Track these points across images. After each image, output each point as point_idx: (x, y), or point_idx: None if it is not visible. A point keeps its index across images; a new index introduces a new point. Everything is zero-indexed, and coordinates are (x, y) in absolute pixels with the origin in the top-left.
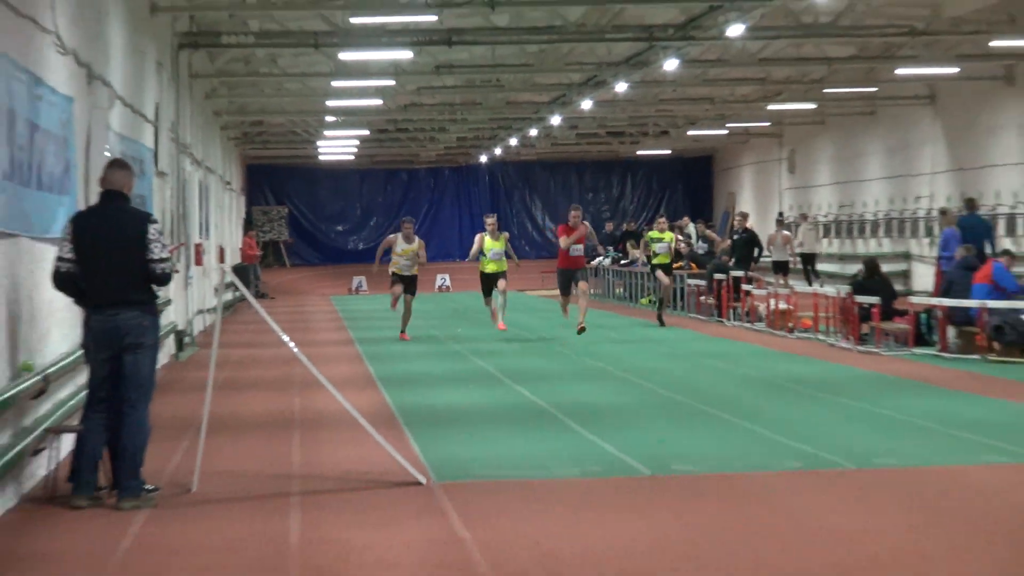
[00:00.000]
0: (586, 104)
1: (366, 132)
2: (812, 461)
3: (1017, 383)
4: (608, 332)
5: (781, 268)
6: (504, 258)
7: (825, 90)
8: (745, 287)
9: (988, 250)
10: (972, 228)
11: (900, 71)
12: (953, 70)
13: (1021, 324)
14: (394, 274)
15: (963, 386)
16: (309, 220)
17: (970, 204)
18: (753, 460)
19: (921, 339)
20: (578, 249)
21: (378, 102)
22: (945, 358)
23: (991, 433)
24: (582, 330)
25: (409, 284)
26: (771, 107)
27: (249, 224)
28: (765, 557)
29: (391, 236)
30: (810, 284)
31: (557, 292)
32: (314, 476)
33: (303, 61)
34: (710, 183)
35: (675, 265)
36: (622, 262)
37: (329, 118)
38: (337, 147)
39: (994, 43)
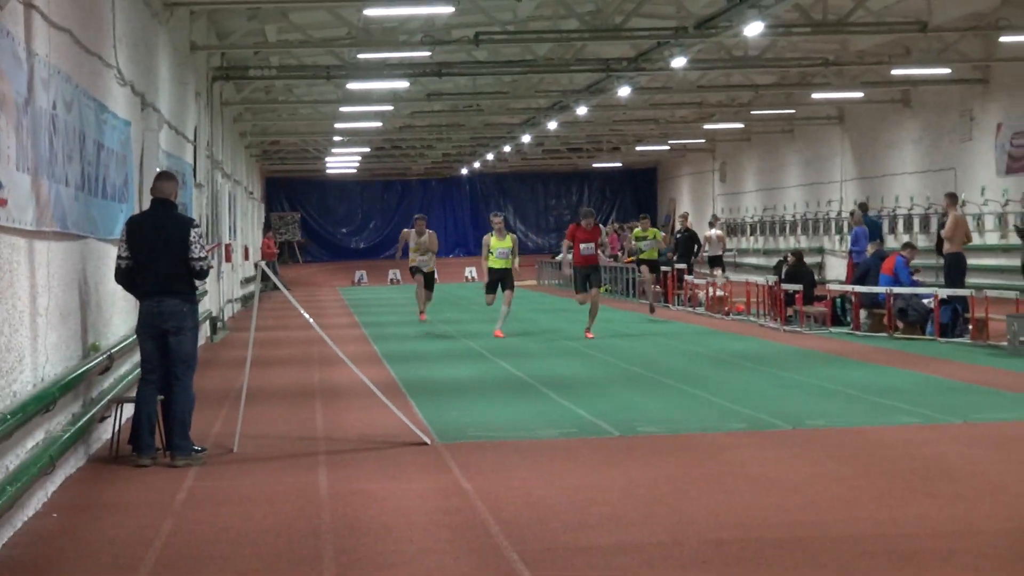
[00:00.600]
0: (552, 125)
1: (367, 149)
2: (754, 423)
3: (918, 356)
4: (573, 315)
5: (716, 262)
6: (510, 257)
7: (751, 112)
8: (687, 277)
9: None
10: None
11: (814, 96)
12: (858, 95)
13: (921, 307)
14: (412, 268)
15: (875, 359)
16: (319, 223)
17: (863, 207)
18: (704, 422)
19: (837, 320)
20: (589, 248)
21: (378, 124)
22: (857, 336)
23: (901, 398)
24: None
25: (428, 280)
26: (706, 126)
27: (268, 227)
28: (720, 500)
29: (406, 231)
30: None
31: (533, 282)
32: (336, 438)
33: (315, 90)
34: (654, 191)
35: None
36: None
37: (336, 138)
38: (342, 162)
39: (894, 71)
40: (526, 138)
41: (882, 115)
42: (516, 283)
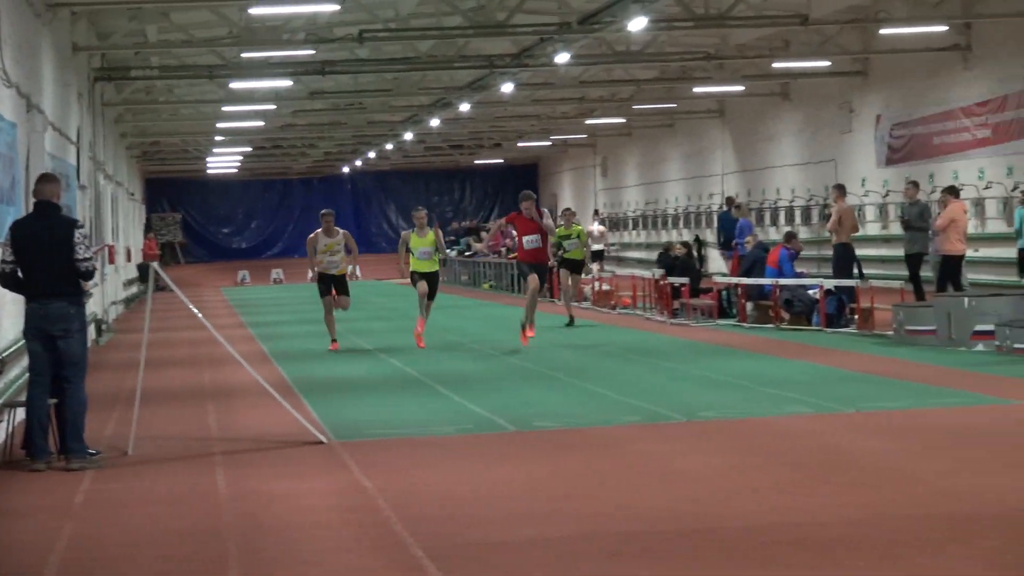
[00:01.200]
0: (434, 122)
1: (249, 149)
2: (648, 415)
3: (806, 346)
4: (460, 311)
5: (598, 256)
6: (436, 257)
7: (633, 107)
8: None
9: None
10: (728, 220)
11: (695, 90)
12: (739, 88)
13: (807, 298)
14: (321, 276)
15: (762, 350)
16: (200, 224)
17: (729, 201)
18: (599, 416)
19: (724, 312)
20: (535, 241)
21: (260, 123)
22: (744, 327)
23: (792, 388)
24: (526, 335)
25: (340, 284)
26: (587, 121)
27: (149, 228)
28: (623, 494)
29: (312, 235)
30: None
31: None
32: (231, 438)
33: (197, 90)
34: (536, 186)
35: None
36: (466, 254)
37: (218, 137)
38: (223, 162)
39: (774, 65)
40: (408, 136)
41: (762, 108)
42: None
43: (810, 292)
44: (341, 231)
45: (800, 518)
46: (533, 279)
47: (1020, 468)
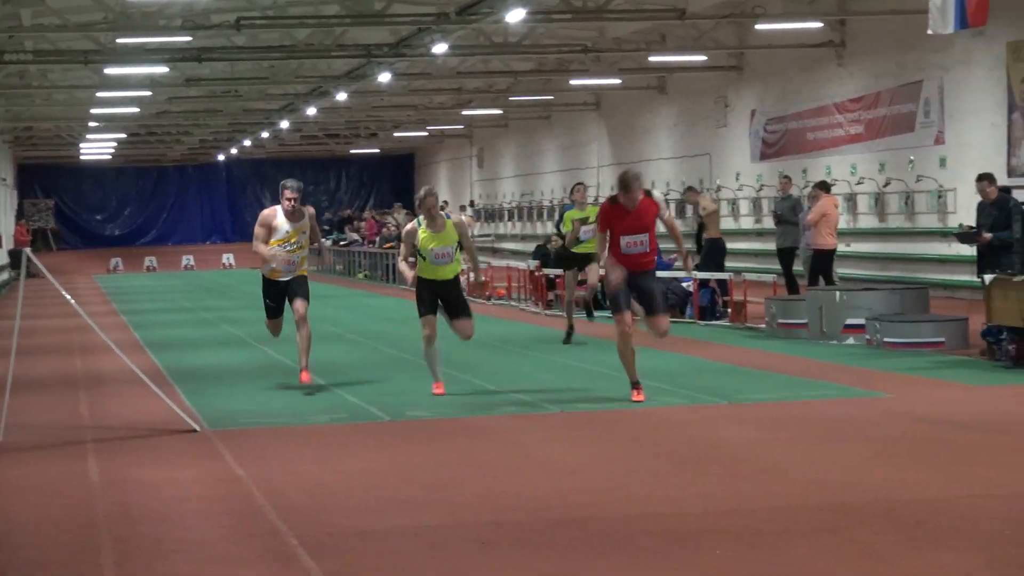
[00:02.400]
0: (311, 111)
1: (123, 135)
2: (523, 406)
3: (680, 338)
4: (335, 301)
5: None
6: (455, 260)
7: (510, 98)
8: None
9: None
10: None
11: (572, 82)
12: (616, 81)
13: (681, 290)
14: (267, 281)
15: (636, 341)
16: (73, 210)
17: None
18: (474, 406)
19: (599, 304)
20: (639, 244)
21: (135, 110)
22: None
23: (666, 380)
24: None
25: (294, 290)
26: (464, 112)
27: (20, 214)
28: (498, 482)
29: (267, 211)
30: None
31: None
32: (103, 427)
33: (71, 75)
34: (412, 177)
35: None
36: (341, 243)
37: (92, 123)
38: (97, 148)
39: (650, 58)
40: (284, 124)
41: (638, 101)
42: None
43: (684, 285)
44: (308, 211)
45: (672, 508)
46: (625, 319)
47: (889, 460)
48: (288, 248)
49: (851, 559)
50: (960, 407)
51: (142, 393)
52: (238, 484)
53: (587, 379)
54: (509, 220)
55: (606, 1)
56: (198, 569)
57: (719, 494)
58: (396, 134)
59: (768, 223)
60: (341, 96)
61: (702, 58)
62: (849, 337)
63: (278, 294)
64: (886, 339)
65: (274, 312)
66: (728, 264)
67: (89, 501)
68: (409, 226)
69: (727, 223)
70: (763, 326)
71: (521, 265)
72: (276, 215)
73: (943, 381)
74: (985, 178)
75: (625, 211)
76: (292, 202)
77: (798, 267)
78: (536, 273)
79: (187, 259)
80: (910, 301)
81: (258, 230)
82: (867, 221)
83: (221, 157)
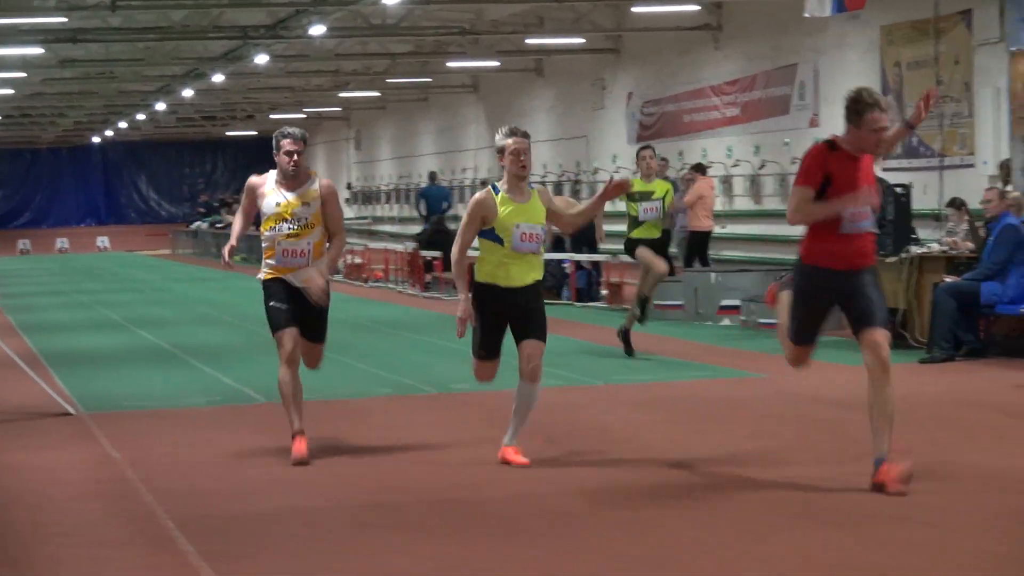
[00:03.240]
0: (187, 93)
1: None
2: (400, 388)
3: (557, 320)
4: (212, 284)
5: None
6: (543, 250)
7: (387, 80)
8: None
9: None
10: (435, 196)
11: (450, 64)
12: (494, 63)
13: (558, 272)
14: (270, 283)
15: None
16: None
17: (432, 177)
18: (352, 388)
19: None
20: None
21: (9, 91)
22: None
23: (546, 361)
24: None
25: (314, 323)
26: (341, 94)
27: None
28: (373, 465)
29: (254, 178)
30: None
31: (167, 251)
32: None
33: None
34: None
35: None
36: (217, 225)
37: None
38: None
39: (528, 40)
40: (160, 106)
41: (516, 84)
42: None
43: (562, 266)
44: (320, 181)
45: (548, 488)
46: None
47: (764, 439)
48: (285, 230)
49: (725, 537)
50: (834, 387)
51: (16, 376)
52: (114, 467)
53: (465, 361)
54: (387, 202)
55: None
56: (78, 552)
57: (595, 475)
58: (273, 116)
59: None
60: (218, 78)
61: (580, 41)
62: (724, 318)
63: (289, 293)
64: (761, 320)
65: (286, 316)
66: (605, 247)
67: None
68: (480, 195)
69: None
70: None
71: (399, 247)
72: (266, 181)
73: (818, 361)
74: None
75: (850, 160)
76: (293, 160)
77: (674, 249)
78: (413, 255)
79: (61, 242)
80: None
81: (243, 202)
82: (743, 203)
83: (96, 139)
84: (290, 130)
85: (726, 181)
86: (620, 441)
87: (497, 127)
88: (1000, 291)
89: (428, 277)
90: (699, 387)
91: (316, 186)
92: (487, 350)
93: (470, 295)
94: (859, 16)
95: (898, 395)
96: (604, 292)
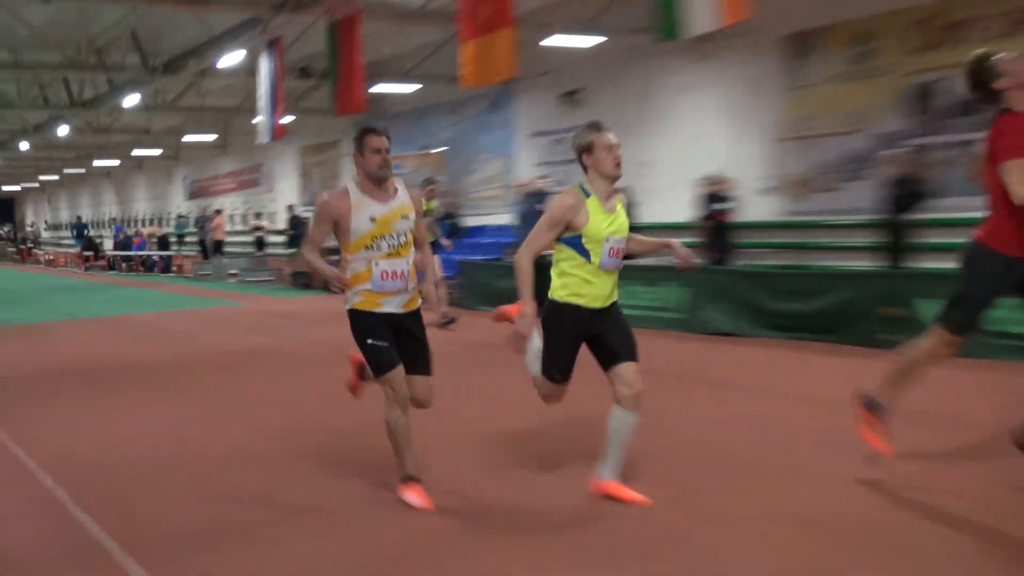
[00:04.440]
0: None
1: None
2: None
3: (148, 282)
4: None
5: None
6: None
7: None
8: None
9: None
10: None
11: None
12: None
13: (150, 261)
14: (364, 315)
15: (129, 284)
16: None
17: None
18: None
19: (112, 267)
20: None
21: None
22: (120, 274)
23: (148, 303)
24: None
25: (415, 347)
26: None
27: None
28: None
29: (328, 198)
30: None
31: None
32: None
33: None
34: None
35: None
36: None
37: None
38: None
39: None
40: None
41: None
42: None
43: (154, 257)
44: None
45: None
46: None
47: (245, 334)
48: (385, 248)
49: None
50: (276, 306)
51: None
52: None
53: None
54: None
55: None
56: None
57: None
58: None
59: None
60: None
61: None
62: (230, 280)
63: (388, 327)
64: (247, 279)
65: (390, 354)
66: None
67: None
68: (568, 199)
69: None
70: (191, 275)
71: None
72: (346, 194)
73: (266, 297)
74: None
75: None
76: (383, 158)
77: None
78: (81, 253)
79: None
80: (261, 261)
81: (313, 231)
82: None
83: None
84: (378, 127)
85: None
86: (181, 337)
87: None
88: None
89: (88, 263)
90: (216, 312)
91: (407, 196)
92: (564, 374)
93: (535, 308)
94: (289, 140)
95: None
96: (175, 269)
